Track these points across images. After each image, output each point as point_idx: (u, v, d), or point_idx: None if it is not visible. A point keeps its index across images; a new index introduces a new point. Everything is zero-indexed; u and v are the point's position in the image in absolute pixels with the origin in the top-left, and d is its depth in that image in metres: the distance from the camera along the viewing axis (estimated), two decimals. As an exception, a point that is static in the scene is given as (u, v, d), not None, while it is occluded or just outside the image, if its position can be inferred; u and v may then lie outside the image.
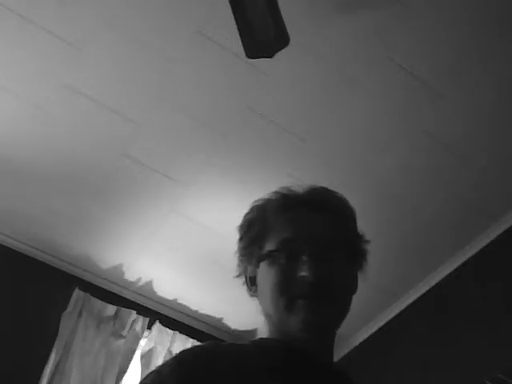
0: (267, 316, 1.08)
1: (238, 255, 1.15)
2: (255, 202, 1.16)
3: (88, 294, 3.15)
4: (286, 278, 1.02)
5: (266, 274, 1.06)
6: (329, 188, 1.14)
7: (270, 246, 1.06)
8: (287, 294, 1.02)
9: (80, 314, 3.09)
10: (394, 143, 2.61)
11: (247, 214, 1.15)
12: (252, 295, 1.13)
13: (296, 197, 1.11)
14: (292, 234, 1.06)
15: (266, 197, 1.15)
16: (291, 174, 2.70)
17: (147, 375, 0.98)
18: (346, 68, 2.38)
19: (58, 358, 2.94)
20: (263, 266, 1.07)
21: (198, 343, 3.42)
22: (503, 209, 2.77)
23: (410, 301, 3.11)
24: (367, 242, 1.12)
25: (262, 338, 1.09)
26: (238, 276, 1.15)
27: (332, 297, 1.02)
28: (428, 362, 2.80)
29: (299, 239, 1.05)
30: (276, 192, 1.14)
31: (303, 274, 1.00)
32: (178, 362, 0.96)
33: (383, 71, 2.37)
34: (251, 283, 1.12)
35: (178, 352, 1.01)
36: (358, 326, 3.24)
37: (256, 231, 1.10)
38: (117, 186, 2.86)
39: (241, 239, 1.13)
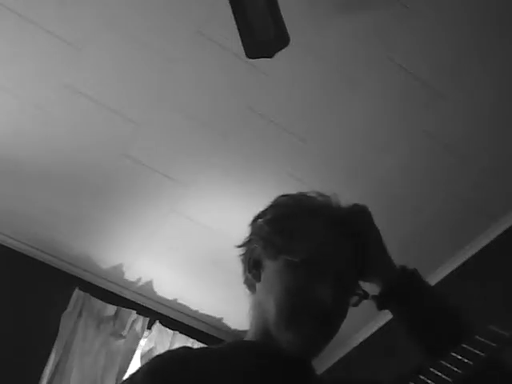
0: (260, 307, 1.05)
1: (252, 231, 1.10)
2: (294, 196, 1.11)
3: (88, 294, 3.15)
4: (304, 289, 1.00)
5: (283, 271, 1.02)
6: (367, 209, 1.12)
7: (300, 247, 1.02)
8: (298, 306, 0.99)
9: (80, 314, 3.09)
10: (394, 143, 2.60)
11: (286, 202, 1.11)
12: (249, 278, 1.09)
13: (338, 214, 1.08)
14: (327, 251, 1.03)
15: (306, 195, 1.11)
16: (291, 173, 2.70)
17: (121, 383, 0.98)
18: (345, 68, 2.38)
19: (57, 358, 2.94)
20: (283, 261, 1.03)
21: (198, 343, 3.41)
22: (503, 209, 2.77)
23: (409, 301, 3.11)
24: None
25: (239, 341, 1.08)
26: (240, 246, 1.10)
27: (334, 326, 1.03)
28: (428, 362, 2.79)
29: (331, 258, 1.02)
30: (318, 195, 1.10)
31: (323, 296, 0.99)
32: (150, 369, 0.96)
33: (383, 71, 2.37)
34: (254, 266, 1.07)
35: (150, 358, 1.01)
36: (358, 326, 3.24)
37: (291, 225, 1.06)
38: (117, 186, 2.86)
39: (269, 222, 1.08)
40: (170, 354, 1.00)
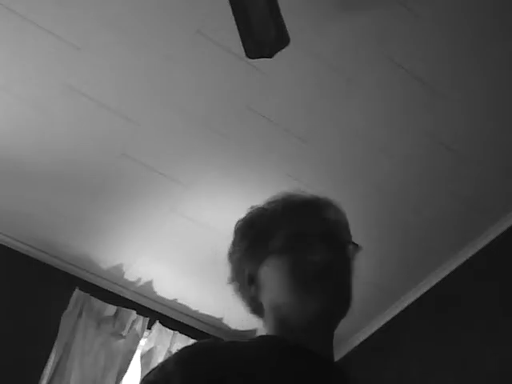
0: (274, 310, 1.06)
1: (233, 258, 1.16)
2: (250, 208, 1.17)
3: (88, 294, 3.15)
4: (298, 262, 1.04)
5: (275, 264, 1.06)
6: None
7: (277, 241, 1.07)
8: (302, 276, 1.03)
9: (80, 314, 3.09)
10: (394, 143, 2.61)
11: (244, 217, 1.16)
12: (249, 296, 1.11)
13: (299, 197, 1.14)
14: (301, 228, 1.08)
15: (261, 204, 1.16)
16: (291, 174, 2.70)
17: (150, 372, 0.97)
18: (345, 68, 2.38)
19: (57, 358, 2.93)
20: (271, 259, 1.07)
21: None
22: (503, 209, 2.77)
23: (410, 301, 3.11)
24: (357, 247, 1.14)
25: (262, 336, 1.08)
26: (231, 281, 1.15)
27: (343, 279, 1.06)
28: (428, 361, 2.80)
29: (308, 230, 1.07)
30: (273, 197, 1.15)
31: (315, 258, 1.03)
32: (181, 358, 0.95)
33: (383, 71, 2.37)
34: (249, 282, 1.11)
35: (179, 348, 1.00)
36: (358, 326, 3.24)
37: (259, 229, 1.11)
38: (117, 186, 2.86)
39: (241, 240, 1.14)
40: (201, 344, 1.01)
